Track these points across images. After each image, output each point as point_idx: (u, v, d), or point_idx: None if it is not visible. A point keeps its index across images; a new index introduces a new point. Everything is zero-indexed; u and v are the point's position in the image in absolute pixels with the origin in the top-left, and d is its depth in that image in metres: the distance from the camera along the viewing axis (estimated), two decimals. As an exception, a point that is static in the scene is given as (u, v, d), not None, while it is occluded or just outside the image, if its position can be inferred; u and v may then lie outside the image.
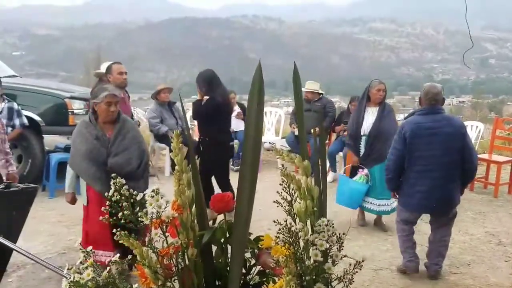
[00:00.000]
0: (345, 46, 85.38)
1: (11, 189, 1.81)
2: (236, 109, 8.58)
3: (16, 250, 1.65)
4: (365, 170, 5.03)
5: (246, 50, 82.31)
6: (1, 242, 1.62)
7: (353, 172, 5.21)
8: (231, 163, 8.33)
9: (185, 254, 1.37)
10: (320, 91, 7.70)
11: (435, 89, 3.82)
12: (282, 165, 1.33)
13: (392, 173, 3.88)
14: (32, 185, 2.05)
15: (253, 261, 1.50)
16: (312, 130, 7.53)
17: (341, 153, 7.29)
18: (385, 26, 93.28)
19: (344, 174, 5.40)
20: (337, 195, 5.13)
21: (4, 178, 3.80)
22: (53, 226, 5.09)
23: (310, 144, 7.82)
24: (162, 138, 7.36)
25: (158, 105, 7.77)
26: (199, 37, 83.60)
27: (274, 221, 1.36)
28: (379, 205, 5.03)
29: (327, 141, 7.55)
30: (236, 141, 8.66)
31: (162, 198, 1.27)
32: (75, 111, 6.69)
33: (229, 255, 1.44)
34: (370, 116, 5.05)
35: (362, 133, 5.04)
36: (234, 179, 7.86)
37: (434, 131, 3.71)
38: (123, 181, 1.31)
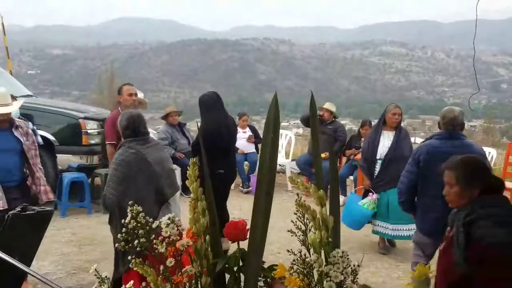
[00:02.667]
0: (356, 69, 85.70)
1: (27, 212, 1.83)
2: (248, 131, 8.62)
3: (31, 274, 1.66)
4: (375, 195, 5.01)
5: (257, 72, 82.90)
6: (16, 265, 1.63)
7: (364, 195, 5.21)
8: (240, 185, 8.35)
9: (199, 282, 1.37)
10: (335, 114, 7.76)
11: (451, 113, 3.74)
12: (298, 195, 1.34)
13: (404, 196, 3.85)
14: (48, 208, 2.07)
15: (265, 290, 1.49)
16: (323, 154, 7.51)
17: (351, 177, 7.27)
18: (396, 49, 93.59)
19: (354, 193, 5.40)
20: (343, 213, 5.12)
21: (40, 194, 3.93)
22: (64, 246, 5.10)
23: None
24: (173, 159, 7.40)
25: (169, 126, 7.84)
26: (210, 59, 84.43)
27: (288, 251, 1.36)
28: (393, 229, 4.99)
29: (338, 165, 7.54)
30: (246, 162, 8.68)
31: (178, 226, 1.29)
32: (88, 131, 6.77)
33: (242, 284, 1.44)
34: (386, 140, 5.05)
35: (377, 157, 5.04)
36: (242, 199, 7.86)
37: (451, 156, 3.66)
38: (140, 208, 1.33)
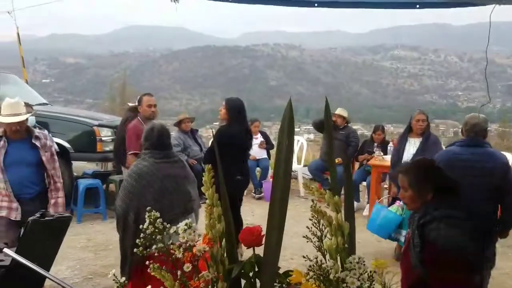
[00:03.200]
0: (367, 73, 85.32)
1: (46, 218, 1.86)
2: (259, 137, 8.64)
3: (51, 279, 1.69)
4: (401, 202, 5.00)
5: (267, 77, 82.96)
6: (35, 270, 1.66)
7: (392, 203, 5.19)
8: (252, 191, 8.37)
9: (215, 287, 1.39)
10: (347, 119, 7.77)
11: (473, 119, 3.70)
12: (313, 201, 1.35)
13: None
14: (66, 214, 2.11)
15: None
16: (336, 160, 7.51)
17: (364, 183, 7.25)
18: (407, 53, 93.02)
19: (378, 203, 5.39)
20: (369, 222, 5.10)
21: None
22: (80, 251, 5.17)
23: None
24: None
25: (181, 133, 7.90)
26: (220, 65, 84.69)
27: (304, 257, 1.37)
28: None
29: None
30: (258, 168, 8.70)
31: (194, 232, 1.31)
32: (103, 138, 6.87)
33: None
34: (411, 147, 5.03)
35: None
36: (254, 205, 7.87)
37: (471, 164, 3.54)
38: (158, 214, 1.35)
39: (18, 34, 10.78)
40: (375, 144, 7.47)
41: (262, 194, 8.22)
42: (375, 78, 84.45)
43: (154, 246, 1.32)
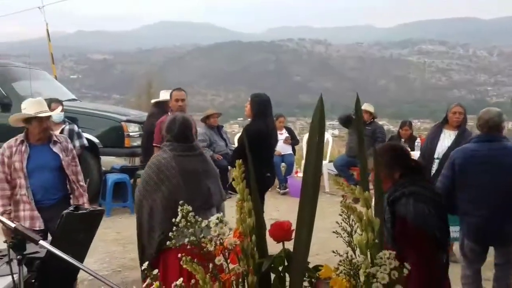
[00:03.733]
0: (394, 68, 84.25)
1: (80, 212, 1.91)
2: (284, 133, 8.65)
3: (84, 270, 1.74)
4: None
5: (292, 73, 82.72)
6: (70, 261, 1.71)
7: None
8: (277, 186, 8.39)
9: (245, 281, 1.41)
10: (374, 115, 7.71)
11: (487, 114, 3.64)
12: (343, 197, 1.36)
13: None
14: (99, 208, 2.16)
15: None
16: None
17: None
18: (435, 48, 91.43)
19: None
20: None
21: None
22: (109, 244, 5.27)
23: (359, 168, 7.76)
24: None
25: (207, 129, 7.97)
26: (245, 61, 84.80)
27: (333, 252, 1.38)
28: None
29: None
30: (283, 164, 8.72)
31: (226, 225, 1.33)
32: (130, 133, 6.99)
33: (287, 284, 1.47)
34: (446, 139, 4.94)
35: (435, 156, 4.94)
36: (279, 201, 7.86)
37: (488, 160, 3.50)
38: (190, 208, 1.38)
39: (47, 30, 11.03)
40: (402, 140, 7.39)
41: (287, 189, 8.24)
42: (402, 73, 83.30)
43: (186, 239, 1.35)
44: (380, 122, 8.71)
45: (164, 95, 6.53)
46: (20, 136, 3.69)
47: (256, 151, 1.52)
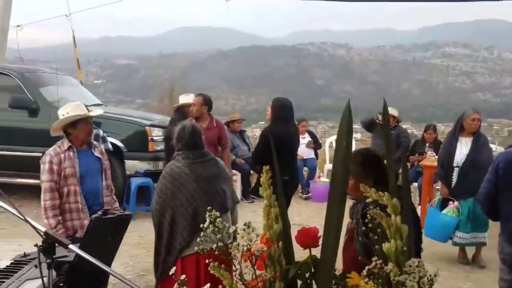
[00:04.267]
0: (417, 71, 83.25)
1: (108, 216, 1.94)
2: (306, 137, 8.63)
3: (112, 274, 1.76)
4: (456, 203, 4.89)
5: (314, 77, 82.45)
6: (98, 265, 1.73)
7: (443, 204, 5.08)
8: (300, 191, 8.36)
9: (272, 287, 1.41)
10: (398, 119, 7.64)
11: None
12: (370, 203, 1.35)
13: (486, 207, 3.68)
14: (127, 212, 2.19)
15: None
16: (385, 161, 7.35)
17: (415, 184, 7.10)
18: (459, 50, 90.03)
19: (430, 206, 5.28)
20: (426, 227, 4.98)
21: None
22: (133, 248, 5.32)
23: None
24: (233, 165, 7.56)
25: (230, 133, 8.01)
26: (267, 65, 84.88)
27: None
28: (469, 238, 4.86)
29: (399, 171, 7.38)
30: (305, 168, 8.68)
31: (253, 231, 1.33)
32: (154, 138, 7.06)
33: (313, 290, 1.46)
34: (463, 147, 4.91)
35: (454, 164, 4.90)
36: (302, 205, 7.84)
37: None
38: (218, 213, 1.39)
39: (73, 37, 11.23)
40: (427, 144, 7.30)
41: (310, 194, 8.20)
42: (425, 76, 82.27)
43: (214, 245, 1.36)
44: (404, 126, 8.63)
45: (183, 99, 6.63)
46: (65, 142, 3.62)
47: (279, 154, 1.52)
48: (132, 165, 7.06)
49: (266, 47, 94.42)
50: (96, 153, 3.82)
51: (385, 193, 1.31)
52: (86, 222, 3.49)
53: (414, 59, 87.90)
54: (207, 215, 1.39)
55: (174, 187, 3.32)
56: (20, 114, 7.16)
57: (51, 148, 3.62)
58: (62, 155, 3.55)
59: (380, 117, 7.54)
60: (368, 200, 2.29)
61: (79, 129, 3.64)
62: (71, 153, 3.60)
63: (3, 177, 6.54)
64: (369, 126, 7.74)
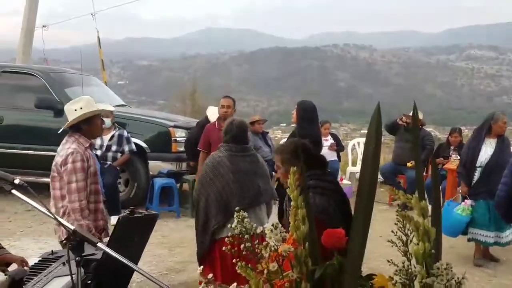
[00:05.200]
0: (441, 74, 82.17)
1: (135, 215, 1.98)
2: (329, 139, 8.58)
3: (140, 272, 1.79)
4: (469, 202, 4.92)
5: (336, 79, 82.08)
6: (125, 263, 1.76)
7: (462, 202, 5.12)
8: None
9: (298, 287, 1.42)
10: (422, 122, 7.56)
11: None
12: (398, 205, 1.35)
13: (502, 209, 3.65)
14: (153, 212, 2.22)
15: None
16: (409, 163, 7.28)
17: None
18: (484, 53, 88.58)
19: (452, 201, 5.31)
20: None
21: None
22: (156, 248, 5.37)
23: (405, 177, 7.61)
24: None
25: (251, 134, 8.01)
26: (289, 67, 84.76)
27: (388, 261, 1.37)
28: (494, 237, 4.87)
29: (424, 174, 7.30)
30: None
31: (281, 232, 1.34)
32: (177, 139, 7.12)
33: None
34: (488, 148, 4.96)
35: (478, 164, 4.93)
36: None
37: None
38: (245, 214, 1.40)
39: (98, 37, 11.40)
40: (451, 147, 7.20)
41: (332, 196, 8.16)
42: (449, 79, 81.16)
43: (242, 245, 1.37)
44: (427, 129, 8.53)
45: (210, 112, 6.71)
46: (82, 139, 3.45)
47: (303, 159, 1.54)
48: (155, 165, 7.12)
49: (288, 49, 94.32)
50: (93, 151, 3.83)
51: (413, 196, 1.31)
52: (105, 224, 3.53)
53: (438, 62, 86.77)
54: (235, 216, 1.40)
55: (213, 175, 3.58)
56: (46, 114, 7.28)
57: (72, 146, 3.37)
58: (87, 153, 3.43)
59: (403, 118, 7.48)
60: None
61: (95, 125, 3.52)
62: (91, 151, 3.54)
63: (29, 176, 6.66)
64: (392, 129, 7.68)
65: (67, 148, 3.37)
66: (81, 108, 3.46)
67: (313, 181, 2.60)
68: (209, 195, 3.54)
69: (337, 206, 2.55)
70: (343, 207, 2.59)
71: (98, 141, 6.54)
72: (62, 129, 3.59)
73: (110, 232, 3.22)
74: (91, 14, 10.99)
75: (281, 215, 3.94)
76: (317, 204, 2.49)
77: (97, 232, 3.40)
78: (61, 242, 3.43)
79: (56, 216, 1.90)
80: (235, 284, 1.46)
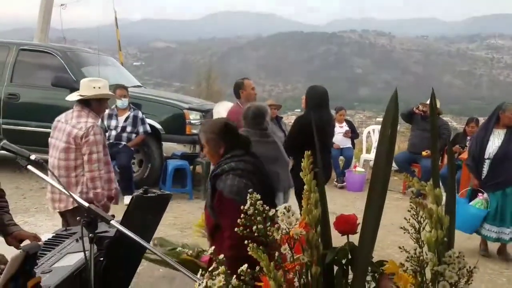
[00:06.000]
0: (460, 63, 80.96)
1: (149, 195, 1.99)
2: (344, 126, 8.54)
3: (151, 250, 1.81)
4: (485, 195, 4.80)
5: (353, 65, 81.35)
6: (138, 241, 1.78)
7: (472, 196, 4.99)
8: (335, 180, 8.31)
9: (309, 271, 1.42)
10: (439, 111, 7.44)
11: None
12: (412, 192, 1.34)
13: None
14: (167, 192, 2.24)
15: (372, 284, 1.50)
16: (424, 152, 7.20)
17: (453, 177, 6.96)
18: (506, 42, 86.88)
19: (460, 196, 5.19)
20: None
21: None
22: (168, 228, 5.42)
23: (420, 166, 7.55)
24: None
25: (266, 119, 8.00)
26: (306, 52, 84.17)
27: (400, 247, 1.36)
28: (497, 232, 4.76)
29: (439, 163, 7.23)
30: (341, 157, 8.61)
31: (293, 215, 1.34)
32: (192, 121, 7.12)
33: (349, 277, 1.46)
34: (496, 139, 4.83)
35: (486, 156, 4.83)
36: (336, 194, 7.79)
37: None
38: (258, 196, 1.40)
39: (115, 18, 11.39)
40: (468, 137, 7.11)
41: (344, 183, 8.15)
42: (468, 68, 79.96)
43: (254, 227, 1.37)
44: (444, 119, 8.42)
45: (223, 107, 6.60)
46: (92, 114, 3.65)
47: (306, 144, 1.52)
48: (169, 147, 7.14)
49: (306, 34, 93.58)
50: None
51: (428, 183, 1.30)
52: (115, 193, 3.78)
53: (458, 51, 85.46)
54: (248, 197, 1.40)
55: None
56: (62, 92, 7.32)
57: (90, 120, 3.58)
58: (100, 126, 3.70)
59: (420, 106, 7.39)
60: (222, 165, 2.68)
61: (103, 106, 3.77)
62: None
63: (44, 154, 6.74)
64: (408, 117, 7.60)
65: (84, 121, 3.57)
66: (99, 88, 3.70)
67: (234, 163, 2.73)
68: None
69: (255, 187, 2.54)
70: (260, 188, 2.59)
71: (113, 122, 6.59)
72: (75, 98, 3.73)
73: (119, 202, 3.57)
74: None
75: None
76: (231, 184, 2.65)
77: (108, 200, 3.68)
78: (60, 212, 3.67)
79: (72, 194, 1.93)
80: (245, 265, 1.46)
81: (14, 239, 2.41)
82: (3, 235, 2.44)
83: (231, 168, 2.70)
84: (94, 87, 3.69)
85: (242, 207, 1.41)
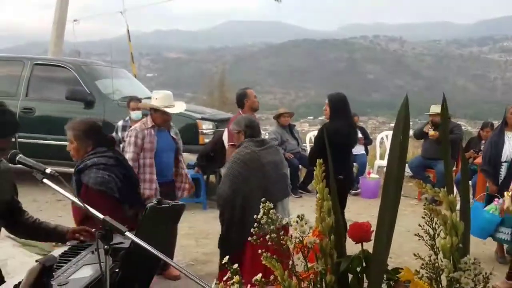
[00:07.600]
0: (473, 66, 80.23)
1: (163, 205, 2.00)
2: (357, 133, 8.49)
3: (168, 262, 1.81)
4: (500, 200, 4.72)
5: (365, 71, 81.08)
6: (153, 253, 1.79)
7: (489, 200, 4.92)
8: (349, 187, 8.27)
9: (323, 280, 1.41)
10: (449, 115, 7.37)
11: None
12: (426, 199, 1.33)
13: None
14: (180, 203, 2.25)
15: (388, 292, 1.49)
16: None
17: (469, 182, 6.88)
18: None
19: (477, 201, 5.13)
20: None
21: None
22: (182, 238, 5.43)
23: (435, 171, 7.48)
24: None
25: (279, 127, 8.01)
26: (317, 59, 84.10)
27: (415, 255, 1.36)
28: (509, 234, 4.69)
29: (454, 168, 7.16)
30: (355, 164, 8.56)
31: (306, 224, 1.34)
32: (204, 131, 7.15)
33: (365, 285, 1.46)
34: (510, 142, 4.80)
35: (503, 159, 4.78)
36: (350, 201, 7.78)
37: None
38: (271, 205, 1.40)
39: (128, 31, 11.54)
40: (482, 142, 7.04)
41: (359, 190, 8.10)
42: (482, 71, 79.21)
43: (267, 236, 1.37)
44: (458, 122, 8.35)
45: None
46: (149, 120, 4.27)
47: (331, 152, 1.52)
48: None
49: (316, 41, 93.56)
50: (172, 134, 4.55)
51: (441, 189, 1.29)
52: (154, 193, 4.12)
53: (471, 54, 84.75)
54: (261, 206, 1.41)
55: (246, 172, 3.56)
56: (76, 105, 7.42)
57: (137, 125, 4.29)
58: (146, 131, 4.19)
59: (429, 124, 7.37)
60: (85, 161, 3.00)
61: (157, 116, 4.27)
62: (152, 131, 4.23)
63: (60, 166, 6.80)
64: (419, 136, 7.62)
65: (134, 126, 4.34)
66: (156, 99, 4.32)
67: (97, 158, 3.04)
68: (245, 194, 3.51)
69: (119, 179, 3.05)
70: (122, 180, 3.08)
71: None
72: (141, 109, 5.18)
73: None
74: (120, 13, 11.10)
75: None
76: (95, 177, 2.96)
77: (145, 198, 3.98)
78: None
79: (86, 205, 1.95)
80: (260, 274, 1.46)
81: (72, 233, 2.53)
82: (59, 237, 2.60)
83: (93, 163, 3.00)
84: (155, 98, 4.36)
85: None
